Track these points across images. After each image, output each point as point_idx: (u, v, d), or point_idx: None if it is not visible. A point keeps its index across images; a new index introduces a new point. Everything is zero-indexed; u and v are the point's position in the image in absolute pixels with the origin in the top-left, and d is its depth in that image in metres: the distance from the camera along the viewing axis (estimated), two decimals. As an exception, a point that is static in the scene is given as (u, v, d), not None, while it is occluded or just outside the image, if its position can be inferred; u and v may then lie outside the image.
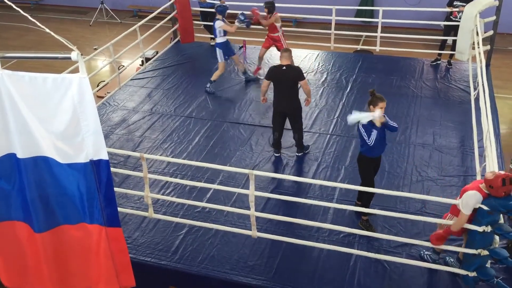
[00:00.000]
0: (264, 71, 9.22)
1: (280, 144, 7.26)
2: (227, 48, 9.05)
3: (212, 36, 11.04)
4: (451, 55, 9.72)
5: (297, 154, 7.29)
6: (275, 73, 6.89)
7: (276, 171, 6.92)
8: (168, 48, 10.96)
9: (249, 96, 8.97)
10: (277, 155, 7.28)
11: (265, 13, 9.07)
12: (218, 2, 10.73)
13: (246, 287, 5.24)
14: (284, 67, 6.79)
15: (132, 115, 8.49)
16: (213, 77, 9.09)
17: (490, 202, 4.44)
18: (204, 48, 11.03)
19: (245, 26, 9.08)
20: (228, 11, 9.06)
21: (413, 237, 5.50)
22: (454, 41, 9.35)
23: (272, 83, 7.04)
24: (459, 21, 9.06)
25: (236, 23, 8.89)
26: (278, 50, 9.45)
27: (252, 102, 8.78)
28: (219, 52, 8.98)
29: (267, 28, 9.27)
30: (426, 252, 5.35)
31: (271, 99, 7.23)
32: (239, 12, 9.09)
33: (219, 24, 8.78)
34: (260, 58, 9.67)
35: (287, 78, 6.80)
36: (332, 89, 9.14)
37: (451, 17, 9.55)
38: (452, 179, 6.67)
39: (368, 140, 5.40)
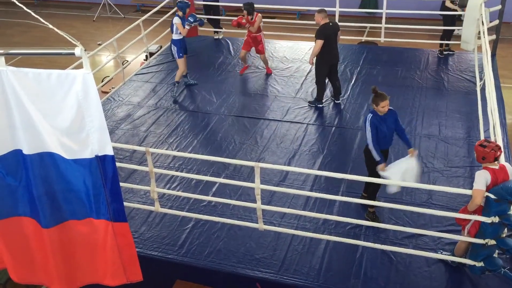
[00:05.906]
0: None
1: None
2: (183, 45, 8.57)
3: (216, 29, 11.02)
4: (441, 45, 9.70)
5: (336, 101, 8.31)
6: (328, 31, 7.64)
7: (281, 164, 6.91)
8: (172, 43, 10.94)
9: (254, 89, 8.96)
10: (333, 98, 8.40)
11: (244, 16, 8.72)
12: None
13: (253, 280, 5.26)
14: (331, 23, 7.68)
15: (137, 110, 8.50)
16: (176, 78, 8.72)
17: (496, 190, 4.44)
18: (208, 42, 11.00)
19: (198, 24, 8.70)
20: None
21: (420, 228, 5.48)
22: (445, 30, 9.49)
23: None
24: (457, 11, 9.08)
25: (186, 27, 8.32)
26: (257, 52, 9.21)
27: (257, 95, 8.77)
28: (174, 49, 8.54)
29: (247, 27, 8.86)
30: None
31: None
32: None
33: (176, 21, 8.33)
34: (243, 59, 9.40)
35: (335, 32, 7.79)
36: (336, 81, 9.10)
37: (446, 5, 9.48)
38: (458, 170, 6.64)
39: (369, 138, 5.42)
